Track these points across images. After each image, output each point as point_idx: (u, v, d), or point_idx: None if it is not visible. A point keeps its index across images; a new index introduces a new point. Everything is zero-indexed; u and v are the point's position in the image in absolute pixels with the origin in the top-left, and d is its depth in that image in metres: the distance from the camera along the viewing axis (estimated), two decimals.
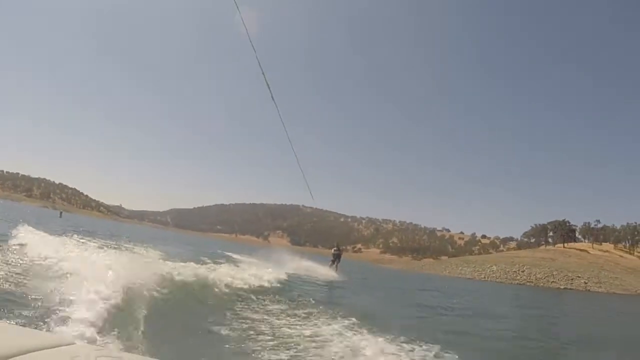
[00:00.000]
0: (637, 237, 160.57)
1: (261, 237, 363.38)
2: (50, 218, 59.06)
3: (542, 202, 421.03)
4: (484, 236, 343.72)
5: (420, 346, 9.69)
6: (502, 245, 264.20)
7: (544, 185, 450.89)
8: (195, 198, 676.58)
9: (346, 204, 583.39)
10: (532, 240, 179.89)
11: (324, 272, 32.32)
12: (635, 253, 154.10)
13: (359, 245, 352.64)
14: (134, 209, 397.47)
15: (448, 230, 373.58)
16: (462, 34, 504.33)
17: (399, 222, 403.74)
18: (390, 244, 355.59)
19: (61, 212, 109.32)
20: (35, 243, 17.11)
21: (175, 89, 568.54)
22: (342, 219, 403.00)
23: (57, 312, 7.85)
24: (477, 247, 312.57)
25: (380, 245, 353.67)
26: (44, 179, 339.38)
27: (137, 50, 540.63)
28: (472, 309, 24.37)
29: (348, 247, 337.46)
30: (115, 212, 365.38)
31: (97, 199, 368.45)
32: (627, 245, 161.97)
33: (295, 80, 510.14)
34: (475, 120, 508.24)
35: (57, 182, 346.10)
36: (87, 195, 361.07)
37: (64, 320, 7.42)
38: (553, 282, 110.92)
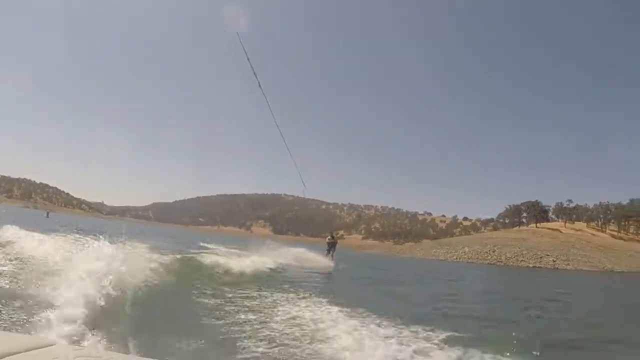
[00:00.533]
0: (609, 216, 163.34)
1: (243, 228, 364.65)
2: (36, 218, 58.28)
3: (523, 183, 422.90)
4: (465, 218, 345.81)
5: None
6: (483, 227, 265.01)
7: (524, 167, 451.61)
8: (176, 191, 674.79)
9: (328, 192, 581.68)
10: (507, 221, 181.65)
11: (324, 261, 32.48)
12: (607, 231, 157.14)
13: (341, 232, 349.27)
14: (115, 205, 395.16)
15: (430, 214, 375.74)
16: None
17: (381, 207, 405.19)
18: (373, 230, 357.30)
19: (48, 212, 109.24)
20: (28, 243, 17.26)
21: (151, 82, 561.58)
22: (323, 206, 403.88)
23: (41, 312, 7.91)
24: (459, 229, 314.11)
25: (363, 231, 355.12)
26: (25, 179, 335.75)
27: (114, 42, 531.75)
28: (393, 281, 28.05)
29: (326, 234, 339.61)
30: (97, 209, 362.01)
31: (78, 197, 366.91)
32: (600, 223, 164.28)
33: (279, 71, 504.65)
34: (454, 104, 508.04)
35: (37, 181, 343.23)
36: (68, 194, 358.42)
37: (48, 321, 7.50)
38: (522, 261, 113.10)
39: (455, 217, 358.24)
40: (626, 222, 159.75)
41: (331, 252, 35.86)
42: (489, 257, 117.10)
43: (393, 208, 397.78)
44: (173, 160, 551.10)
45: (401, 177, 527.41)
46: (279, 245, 33.36)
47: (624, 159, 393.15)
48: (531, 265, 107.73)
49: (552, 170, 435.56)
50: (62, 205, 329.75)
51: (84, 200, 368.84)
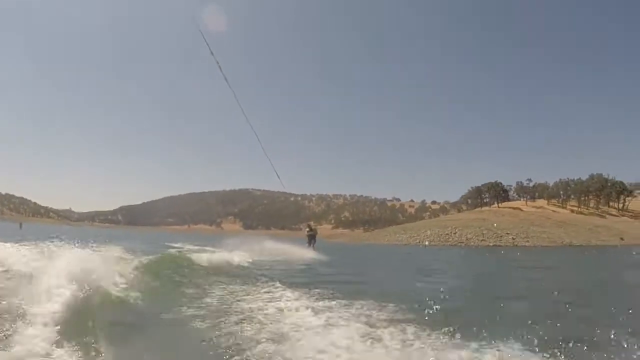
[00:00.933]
0: (568, 192, 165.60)
1: (214, 225, 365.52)
2: (8, 230, 56.00)
3: (491, 164, 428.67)
4: (434, 202, 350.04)
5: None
6: (452, 209, 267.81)
7: (489, 149, 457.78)
8: (144, 193, 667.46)
9: (297, 183, 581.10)
10: (470, 202, 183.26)
11: (307, 253, 31.72)
12: (568, 207, 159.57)
13: (311, 223, 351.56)
14: (84, 211, 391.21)
15: (398, 200, 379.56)
16: None
17: (350, 196, 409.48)
18: (342, 219, 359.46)
19: (21, 223, 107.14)
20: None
21: (111, 83, 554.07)
22: (292, 199, 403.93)
23: (12, 324, 7.50)
24: (428, 213, 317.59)
25: (332, 221, 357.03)
26: None
27: (69, 49, 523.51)
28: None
29: (300, 226, 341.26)
30: (65, 216, 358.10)
31: (45, 205, 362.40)
32: (560, 200, 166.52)
33: (246, 67, 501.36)
34: (416, 86, 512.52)
35: (3, 192, 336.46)
36: (35, 203, 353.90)
37: (17, 332, 7.15)
38: (483, 240, 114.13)
39: (423, 202, 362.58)
40: (586, 197, 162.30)
41: (312, 244, 36.25)
42: (451, 239, 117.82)
43: (362, 196, 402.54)
44: (139, 161, 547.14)
45: (369, 165, 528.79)
46: (270, 240, 33.33)
47: (583, 135, 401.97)
48: (491, 244, 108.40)
49: (515, 151, 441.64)
50: (30, 215, 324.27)
51: (51, 208, 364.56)
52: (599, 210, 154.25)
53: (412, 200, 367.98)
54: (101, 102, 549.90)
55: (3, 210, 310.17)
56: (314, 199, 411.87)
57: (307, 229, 39.20)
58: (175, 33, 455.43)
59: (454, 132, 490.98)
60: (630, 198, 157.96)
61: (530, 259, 43.26)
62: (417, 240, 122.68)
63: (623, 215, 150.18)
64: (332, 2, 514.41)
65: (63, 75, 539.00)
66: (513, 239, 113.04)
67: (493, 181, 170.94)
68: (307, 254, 31.12)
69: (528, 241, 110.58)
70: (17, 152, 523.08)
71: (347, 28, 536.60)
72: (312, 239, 37.08)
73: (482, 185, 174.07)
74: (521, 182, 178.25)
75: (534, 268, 29.45)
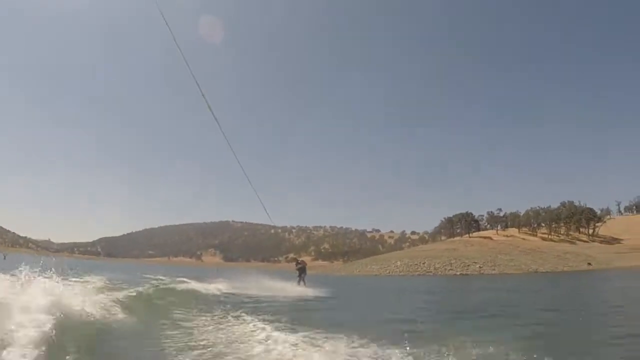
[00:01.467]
0: (539, 220, 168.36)
1: (194, 257, 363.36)
2: None
3: (469, 192, 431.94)
4: (414, 232, 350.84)
5: None
6: (431, 240, 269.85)
7: (470, 176, 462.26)
8: (123, 224, 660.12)
9: (277, 215, 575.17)
10: (442, 232, 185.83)
11: (298, 289, 31.55)
12: (538, 235, 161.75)
13: (291, 255, 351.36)
14: (63, 242, 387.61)
15: (378, 231, 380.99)
16: None
17: (330, 227, 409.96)
18: (322, 250, 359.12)
19: (5, 254, 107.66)
20: None
21: (90, 115, 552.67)
22: (272, 231, 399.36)
23: None
24: (407, 243, 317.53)
25: (312, 253, 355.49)
26: None
27: (62, 83, 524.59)
28: None
29: (280, 258, 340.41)
30: (44, 246, 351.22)
31: (24, 235, 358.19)
32: (531, 228, 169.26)
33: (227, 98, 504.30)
34: (399, 112, 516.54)
35: None
36: (14, 233, 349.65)
37: None
38: (450, 270, 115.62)
39: (403, 232, 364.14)
40: (557, 225, 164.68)
41: (302, 278, 35.36)
42: (419, 269, 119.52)
43: (342, 227, 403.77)
44: (118, 192, 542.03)
45: (350, 196, 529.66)
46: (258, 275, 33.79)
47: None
48: (458, 273, 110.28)
49: (495, 178, 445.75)
50: (9, 245, 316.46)
51: (30, 238, 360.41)
52: (569, 237, 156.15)
53: (391, 231, 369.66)
54: (79, 133, 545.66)
55: None
56: (294, 230, 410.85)
57: (296, 262, 37.89)
58: (161, 64, 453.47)
59: (434, 159, 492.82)
60: (599, 224, 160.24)
61: (483, 284, 45.27)
62: (388, 271, 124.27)
63: (593, 241, 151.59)
64: (310, 27, 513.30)
65: (50, 108, 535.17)
66: (480, 267, 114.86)
67: (464, 212, 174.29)
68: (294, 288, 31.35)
69: (494, 269, 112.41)
70: None
71: (322, 50, 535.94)
72: (302, 272, 35.91)
73: (453, 216, 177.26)
74: (492, 212, 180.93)
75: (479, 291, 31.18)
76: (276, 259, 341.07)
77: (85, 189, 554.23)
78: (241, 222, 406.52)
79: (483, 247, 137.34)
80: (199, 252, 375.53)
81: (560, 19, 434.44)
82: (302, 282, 34.75)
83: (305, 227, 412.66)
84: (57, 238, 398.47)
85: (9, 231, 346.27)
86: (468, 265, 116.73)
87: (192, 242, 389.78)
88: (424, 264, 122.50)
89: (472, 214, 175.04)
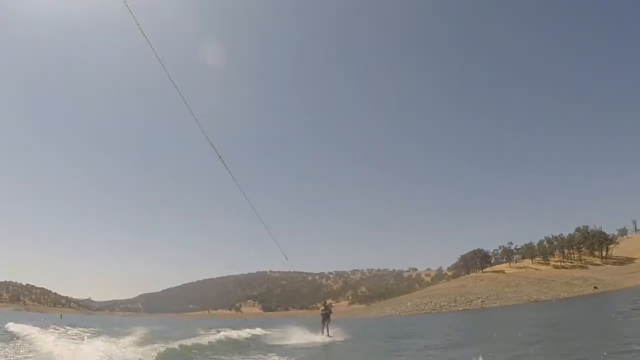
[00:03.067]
0: (551, 249, 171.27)
1: (233, 309, 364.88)
2: (51, 320, 51.76)
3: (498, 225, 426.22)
4: (449, 268, 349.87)
5: None
6: (453, 276, 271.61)
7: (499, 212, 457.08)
8: (163, 280, 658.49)
9: (314, 263, 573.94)
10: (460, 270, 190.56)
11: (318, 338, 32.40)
12: (551, 263, 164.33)
13: (329, 301, 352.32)
14: (103, 300, 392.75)
15: (415, 269, 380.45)
16: None
17: (367, 270, 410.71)
18: (359, 294, 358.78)
19: (61, 315, 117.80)
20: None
21: (126, 168, 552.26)
22: (310, 278, 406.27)
23: None
24: (444, 279, 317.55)
25: (350, 297, 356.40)
26: (11, 281, 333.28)
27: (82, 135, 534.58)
28: None
29: (318, 304, 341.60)
30: (85, 305, 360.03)
31: (65, 295, 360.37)
32: (544, 257, 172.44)
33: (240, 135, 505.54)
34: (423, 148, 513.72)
35: (24, 283, 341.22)
36: (55, 293, 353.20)
37: None
38: (454, 306, 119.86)
39: (440, 269, 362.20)
40: (570, 251, 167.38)
41: (326, 324, 34.47)
42: (426, 308, 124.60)
43: (379, 269, 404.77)
44: (156, 249, 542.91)
45: (386, 236, 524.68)
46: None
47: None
48: (460, 309, 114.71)
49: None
50: (52, 305, 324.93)
51: (71, 298, 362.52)
52: (582, 262, 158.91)
53: (428, 269, 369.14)
54: (115, 189, 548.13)
55: (25, 301, 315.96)
56: (331, 276, 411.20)
57: (322, 308, 37.33)
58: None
59: (462, 192, 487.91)
60: (612, 245, 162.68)
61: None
62: (399, 312, 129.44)
63: (606, 264, 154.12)
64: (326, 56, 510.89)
65: (77, 162, 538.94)
66: (482, 301, 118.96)
67: (476, 248, 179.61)
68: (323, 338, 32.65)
69: (496, 302, 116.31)
70: (34, 241, 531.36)
71: (347, 84, 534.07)
72: (326, 318, 34.93)
73: (466, 253, 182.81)
74: (503, 246, 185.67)
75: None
76: (314, 305, 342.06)
77: (122, 246, 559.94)
78: (279, 272, 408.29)
79: (492, 282, 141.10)
80: (237, 304, 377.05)
81: None
82: (325, 329, 34.11)
83: (343, 271, 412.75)
84: (98, 296, 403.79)
85: (50, 291, 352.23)
86: (471, 301, 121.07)
87: (230, 294, 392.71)
88: (431, 302, 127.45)
89: (482, 250, 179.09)
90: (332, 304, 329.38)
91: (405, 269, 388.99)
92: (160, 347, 17.37)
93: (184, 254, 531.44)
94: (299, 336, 32.56)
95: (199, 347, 21.07)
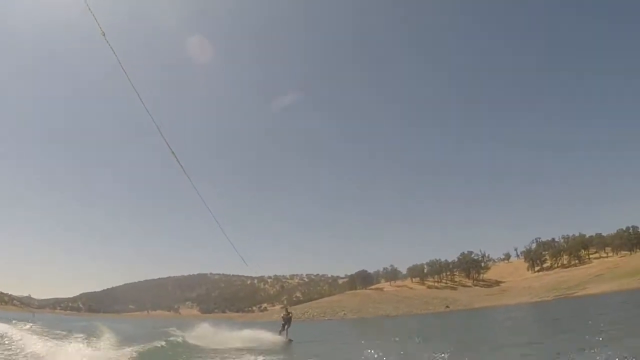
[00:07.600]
0: (430, 271, 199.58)
1: (172, 311, 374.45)
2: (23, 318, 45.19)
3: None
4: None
5: None
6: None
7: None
8: (103, 279, 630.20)
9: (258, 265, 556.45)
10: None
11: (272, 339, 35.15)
12: (427, 283, 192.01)
13: (264, 305, 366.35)
14: (43, 298, 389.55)
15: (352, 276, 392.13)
16: None
17: (306, 275, 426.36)
18: (294, 299, 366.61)
19: (34, 313, 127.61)
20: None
21: (64, 161, 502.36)
22: (248, 282, 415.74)
23: None
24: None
25: (285, 301, 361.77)
26: None
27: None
28: None
29: (254, 308, 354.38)
30: (27, 303, 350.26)
31: (7, 292, 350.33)
32: (421, 278, 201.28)
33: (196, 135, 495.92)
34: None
35: None
36: None
37: None
38: (323, 316, 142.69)
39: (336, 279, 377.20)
40: (447, 273, 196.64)
41: (285, 328, 36.65)
42: (303, 317, 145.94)
43: (317, 274, 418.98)
44: (97, 247, 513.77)
45: (328, 243, 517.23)
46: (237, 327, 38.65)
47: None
48: (326, 318, 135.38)
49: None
50: None
51: (13, 295, 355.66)
52: (454, 283, 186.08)
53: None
54: (56, 184, 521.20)
55: None
56: (269, 280, 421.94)
57: (284, 312, 39.44)
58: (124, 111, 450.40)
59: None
60: (484, 270, 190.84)
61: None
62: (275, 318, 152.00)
63: (476, 285, 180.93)
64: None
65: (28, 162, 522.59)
66: (344, 314, 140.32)
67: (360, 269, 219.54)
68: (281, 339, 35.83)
69: (356, 315, 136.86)
70: None
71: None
72: (287, 322, 37.16)
73: (355, 273, 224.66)
74: (387, 268, 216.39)
75: None
76: (250, 308, 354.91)
77: (64, 244, 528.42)
78: (218, 275, 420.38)
79: (364, 298, 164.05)
80: (176, 306, 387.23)
81: None
82: (284, 332, 36.44)
83: (282, 276, 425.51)
84: (38, 294, 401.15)
85: None
86: (337, 312, 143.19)
87: (170, 295, 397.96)
88: (307, 312, 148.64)
89: (366, 271, 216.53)
90: (265, 308, 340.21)
91: (341, 275, 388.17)
92: (157, 344, 20.52)
93: (126, 252, 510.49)
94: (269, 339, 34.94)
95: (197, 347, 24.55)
